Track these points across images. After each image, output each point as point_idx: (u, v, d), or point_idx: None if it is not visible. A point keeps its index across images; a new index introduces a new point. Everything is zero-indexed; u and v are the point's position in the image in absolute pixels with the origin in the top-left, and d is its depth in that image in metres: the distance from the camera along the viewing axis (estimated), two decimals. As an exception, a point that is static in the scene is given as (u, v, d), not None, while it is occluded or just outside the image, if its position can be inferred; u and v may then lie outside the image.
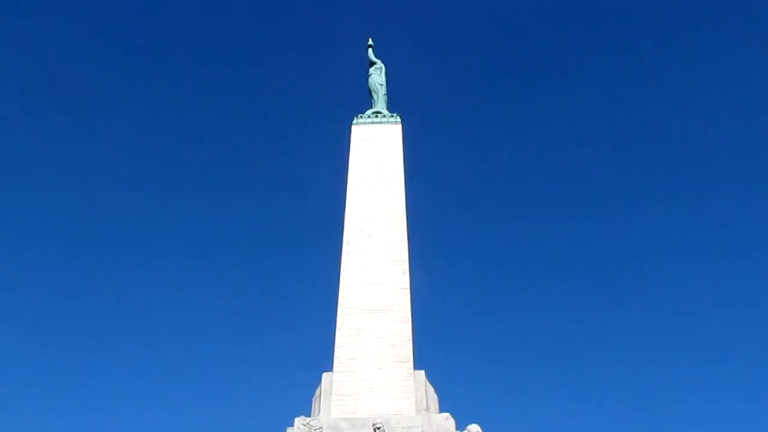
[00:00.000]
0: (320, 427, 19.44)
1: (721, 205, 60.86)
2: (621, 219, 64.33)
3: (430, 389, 20.93)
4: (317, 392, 20.91)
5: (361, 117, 26.93)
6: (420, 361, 21.86)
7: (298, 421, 19.76)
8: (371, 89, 28.00)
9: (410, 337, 21.43)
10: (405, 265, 23.02)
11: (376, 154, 25.82)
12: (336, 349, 21.29)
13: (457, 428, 19.55)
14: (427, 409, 20.10)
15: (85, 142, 65.18)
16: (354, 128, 26.60)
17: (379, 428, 18.55)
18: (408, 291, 22.49)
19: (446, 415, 19.97)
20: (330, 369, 21.04)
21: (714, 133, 62.09)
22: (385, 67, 28.44)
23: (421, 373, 20.89)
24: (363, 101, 28.28)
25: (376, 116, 26.89)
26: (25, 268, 59.65)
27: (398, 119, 26.81)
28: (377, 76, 28.06)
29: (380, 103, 27.43)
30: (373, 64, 28.55)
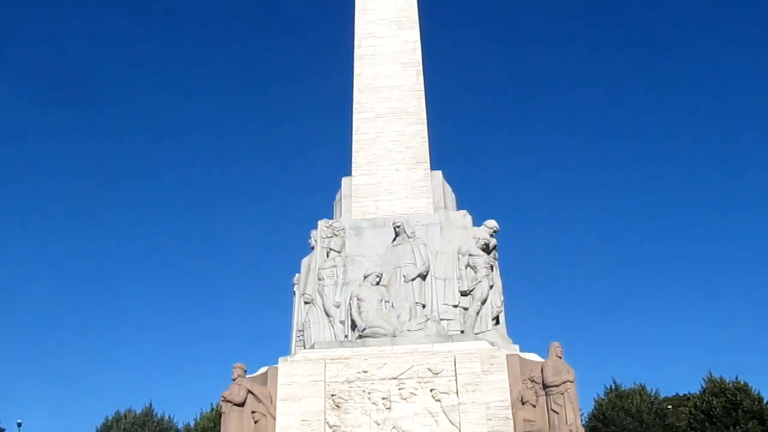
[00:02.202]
0: (342, 228, 20.17)
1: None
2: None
3: (448, 188, 21.37)
4: (338, 197, 21.47)
5: None
6: (437, 161, 22.18)
7: (321, 223, 20.47)
8: None
9: (426, 139, 21.50)
10: (419, 67, 22.54)
11: (384, -51, 24.35)
12: (353, 153, 21.52)
13: (474, 224, 20.17)
14: (445, 207, 20.64)
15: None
16: None
17: (398, 226, 19.18)
18: (423, 93, 22.23)
19: (463, 212, 20.52)
20: (349, 174, 21.47)
21: None
22: None
23: (438, 173, 21.23)
24: None
25: None
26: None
27: None
28: None
29: None
30: None
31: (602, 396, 41.73)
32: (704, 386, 40.09)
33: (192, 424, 44.76)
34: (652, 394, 40.92)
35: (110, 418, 44.88)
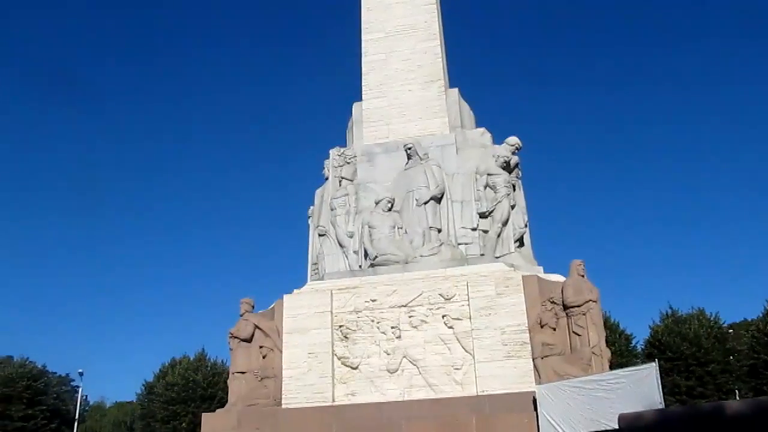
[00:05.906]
0: (354, 155, 19.16)
1: None
2: None
3: (465, 107, 19.99)
4: (349, 123, 20.38)
5: None
6: (455, 80, 20.82)
7: (333, 152, 19.50)
8: None
9: (440, 55, 20.07)
10: (430, -21, 20.98)
11: None
12: (363, 76, 20.29)
13: (494, 142, 18.81)
14: (462, 126, 19.32)
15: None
16: None
17: (410, 148, 18.03)
18: (435, 7, 20.74)
19: (482, 130, 19.18)
20: (361, 99, 20.28)
21: None
22: None
23: (454, 91, 19.84)
24: None
25: None
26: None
27: None
28: None
29: None
30: None
31: (658, 323, 40.03)
32: (767, 308, 37.98)
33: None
34: (711, 319, 39.04)
35: (166, 364, 45.78)
